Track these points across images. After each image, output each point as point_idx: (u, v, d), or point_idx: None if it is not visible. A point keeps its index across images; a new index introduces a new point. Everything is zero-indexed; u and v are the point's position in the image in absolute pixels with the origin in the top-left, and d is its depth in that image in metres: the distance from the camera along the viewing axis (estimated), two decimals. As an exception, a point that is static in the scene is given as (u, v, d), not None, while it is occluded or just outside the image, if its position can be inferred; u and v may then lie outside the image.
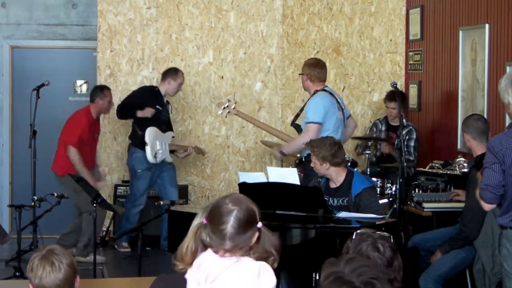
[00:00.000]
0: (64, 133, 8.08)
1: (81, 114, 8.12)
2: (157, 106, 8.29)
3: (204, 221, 3.00)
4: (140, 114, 8.21)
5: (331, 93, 7.15)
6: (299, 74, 7.46)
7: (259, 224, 2.99)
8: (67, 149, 7.91)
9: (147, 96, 8.30)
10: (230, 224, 2.95)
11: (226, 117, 8.59)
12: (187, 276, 2.98)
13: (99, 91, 8.22)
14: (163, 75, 8.43)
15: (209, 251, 2.97)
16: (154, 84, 8.75)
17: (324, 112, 6.93)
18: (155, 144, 8.23)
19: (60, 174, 7.96)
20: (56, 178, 8.07)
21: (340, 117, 7.13)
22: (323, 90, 7.12)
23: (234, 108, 7.99)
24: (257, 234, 2.99)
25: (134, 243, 8.17)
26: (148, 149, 8.17)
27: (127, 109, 8.32)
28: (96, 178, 8.10)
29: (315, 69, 7.13)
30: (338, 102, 7.15)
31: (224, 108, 7.96)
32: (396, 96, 7.29)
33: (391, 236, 3.31)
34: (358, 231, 3.32)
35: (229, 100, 8.20)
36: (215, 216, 2.98)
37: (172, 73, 8.39)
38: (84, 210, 7.85)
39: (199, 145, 8.92)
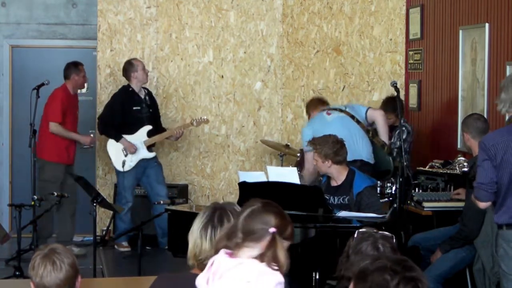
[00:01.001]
0: (45, 113, 8.26)
1: (58, 91, 8.33)
2: (134, 108, 8.27)
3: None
4: (123, 142, 8.23)
5: (323, 110, 7.27)
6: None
7: (272, 229, 3.02)
8: (49, 127, 8.13)
9: (123, 103, 8.26)
10: (243, 216, 3.07)
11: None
12: (198, 277, 3.00)
13: (74, 67, 8.39)
14: (124, 73, 8.37)
15: (222, 252, 2.99)
16: (155, 83, 8.77)
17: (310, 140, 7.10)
18: (119, 153, 8.22)
19: (48, 159, 8.20)
20: (39, 163, 8.13)
21: (336, 116, 7.11)
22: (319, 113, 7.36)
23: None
24: (268, 239, 3.00)
25: (133, 242, 8.17)
26: (113, 161, 8.23)
27: (111, 131, 8.29)
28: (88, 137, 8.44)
29: (311, 101, 7.78)
30: (334, 108, 7.25)
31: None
32: (391, 105, 7.51)
33: (394, 237, 3.31)
34: (361, 229, 3.32)
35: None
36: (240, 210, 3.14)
37: (129, 67, 8.32)
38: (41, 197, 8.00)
39: (193, 119, 8.61)
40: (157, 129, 8.42)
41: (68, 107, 8.28)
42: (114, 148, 8.26)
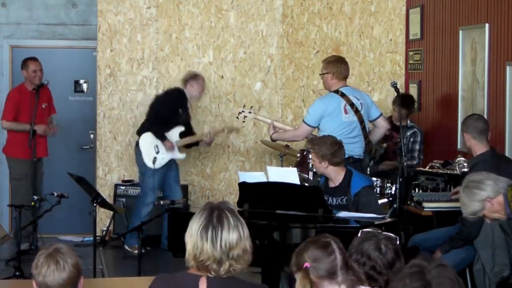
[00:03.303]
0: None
1: (12, 90, 8.58)
2: (179, 110, 8.28)
3: (308, 265, 3.09)
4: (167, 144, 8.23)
5: (343, 94, 6.98)
6: (321, 75, 7.21)
7: None
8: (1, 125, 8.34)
9: (178, 103, 8.27)
10: (337, 254, 3.08)
11: (244, 121, 8.42)
12: None
13: (22, 63, 8.46)
14: (183, 80, 8.40)
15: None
16: (154, 83, 8.79)
17: (319, 117, 6.92)
18: (151, 150, 8.20)
19: (8, 155, 8.39)
20: (7, 160, 8.45)
21: (349, 120, 6.94)
22: (336, 91, 7.01)
23: (250, 112, 7.95)
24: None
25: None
26: (144, 156, 8.18)
27: (160, 130, 8.25)
28: (51, 128, 8.42)
29: (341, 65, 7.08)
30: (352, 104, 6.96)
31: (240, 113, 8.00)
32: (403, 100, 7.39)
33: (397, 238, 3.32)
34: (365, 229, 3.33)
35: (244, 106, 8.29)
36: (318, 254, 3.11)
37: (192, 76, 8.40)
38: (14, 201, 8.13)
39: (227, 125, 8.69)
40: (188, 132, 8.45)
41: (22, 103, 8.22)
42: (145, 145, 8.21)
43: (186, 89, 8.32)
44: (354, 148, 6.97)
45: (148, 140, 8.20)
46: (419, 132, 7.81)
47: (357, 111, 6.96)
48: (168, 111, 8.19)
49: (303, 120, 7.10)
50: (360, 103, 7.00)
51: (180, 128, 8.36)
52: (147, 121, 8.33)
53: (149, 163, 8.15)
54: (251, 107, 8.29)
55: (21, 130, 8.16)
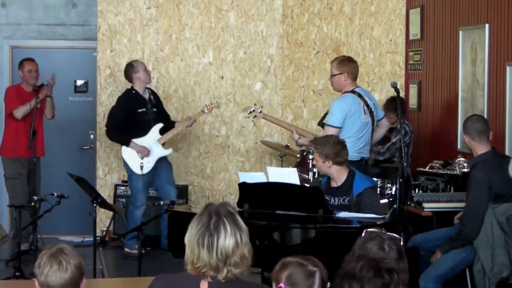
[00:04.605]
0: (5, 114, 8.38)
1: (9, 87, 8.58)
2: (139, 110, 8.16)
3: (282, 285, 3.02)
4: (135, 147, 8.15)
5: (360, 95, 6.93)
6: (334, 76, 6.99)
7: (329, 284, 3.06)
8: (13, 118, 8.14)
9: (128, 106, 8.14)
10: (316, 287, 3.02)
11: (252, 121, 8.34)
12: None
13: (19, 63, 8.44)
14: (126, 75, 8.25)
15: None
16: (154, 84, 8.79)
17: (344, 117, 6.78)
18: (136, 158, 8.13)
19: (4, 155, 8.36)
20: (2, 161, 8.44)
21: (366, 121, 6.91)
22: (353, 91, 6.94)
23: (260, 111, 7.85)
24: None
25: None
26: (132, 167, 8.14)
27: (120, 137, 8.21)
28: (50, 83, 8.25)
29: (354, 64, 7.02)
30: (367, 104, 6.92)
31: (250, 112, 7.83)
32: (393, 104, 7.43)
33: (401, 239, 3.31)
34: (369, 229, 3.33)
35: (255, 104, 8.15)
36: (298, 279, 3.03)
37: (130, 68, 8.22)
38: (11, 201, 8.16)
39: (204, 106, 8.55)
40: (168, 127, 8.33)
41: (19, 101, 8.19)
42: (128, 153, 8.16)
43: (134, 84, 8.20)
44: (367, 150, 6.99)
45: (129, 150, 8.16)
46: (403, 130, 7.76)
47: (371, 112, 6.97)
48: (120, 117, 8.11)
49: (326, 124, 6.89)
50: (373, 103, 7.03)
51: (159, 125, 8.25)
52: (107, 134, 8.33)
53: (138, 171, 8.13)
54: (262, 106, 8.28)
55: (27, 109, 8.03)
